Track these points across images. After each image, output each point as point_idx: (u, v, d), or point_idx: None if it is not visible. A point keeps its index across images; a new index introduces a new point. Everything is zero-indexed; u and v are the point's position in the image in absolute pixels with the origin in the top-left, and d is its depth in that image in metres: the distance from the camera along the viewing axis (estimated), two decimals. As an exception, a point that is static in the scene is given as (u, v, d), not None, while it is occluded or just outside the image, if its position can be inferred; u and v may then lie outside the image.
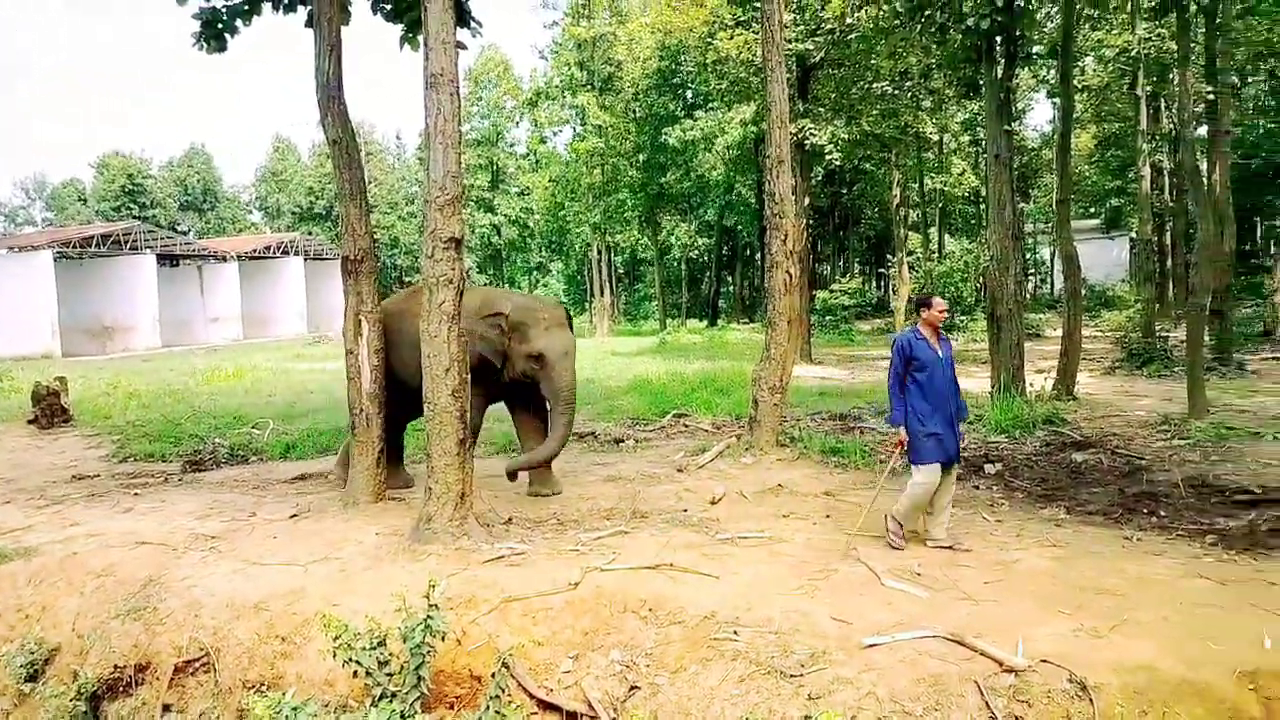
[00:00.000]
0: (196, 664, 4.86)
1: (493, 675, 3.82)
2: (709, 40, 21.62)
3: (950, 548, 5.46)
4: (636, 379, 15.33)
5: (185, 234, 52.21)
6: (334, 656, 3.95)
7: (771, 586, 4.78)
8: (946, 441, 5.47)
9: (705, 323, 36.15)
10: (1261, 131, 26.00)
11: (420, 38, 5.92)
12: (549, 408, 7.12)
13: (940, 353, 5.57)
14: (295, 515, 6.66)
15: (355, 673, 3.93)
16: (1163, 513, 6.34)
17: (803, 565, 5.19)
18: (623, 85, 32.32)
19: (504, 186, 47.32)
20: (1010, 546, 5.53)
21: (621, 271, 48.05)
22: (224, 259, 38.46)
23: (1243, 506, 6.37)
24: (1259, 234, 32.19)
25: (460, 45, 6.09)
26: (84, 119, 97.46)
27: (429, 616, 3.84)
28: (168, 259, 37.61)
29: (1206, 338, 12.46)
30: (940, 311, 5.65)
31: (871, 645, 3.99)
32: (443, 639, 3.91)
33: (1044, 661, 3.77)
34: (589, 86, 32.80)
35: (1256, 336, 19.15)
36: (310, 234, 49.83)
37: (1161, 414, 10.21)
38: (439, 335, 5.65)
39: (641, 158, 32.31)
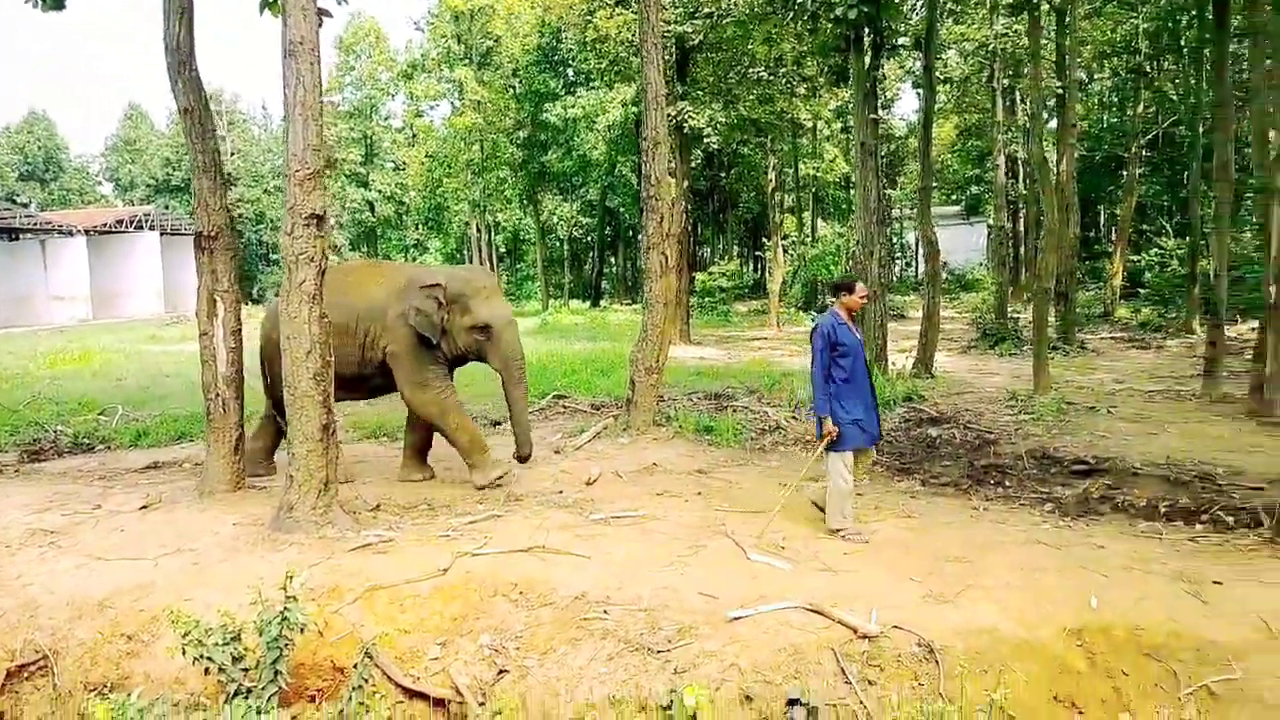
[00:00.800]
0: (33, 667, 4.53)
1: (355, 665, 3.72)
2: (589, 18, 21.49)
3: (838, 531, 5.42)
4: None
5: (25, 205, 48.13)
6: (184, 654, 3.76)
7: (643, 565, 4.85)
8: (868, 425, 5.45)
9: (588, 303, 36.14)
10: (1104, 125, 27.94)
11: (280, 3, 5.63)
12: (502, 379, 6.83)
13: (858, 336, 5.54)
14: (145, 506, 6.28)
15: (207, 670, 3.75)
16: (1008, 483, 6.79)
17: (674, 543, 5.28)
18: (502, 60, 31.75)
19: (378, 161, 45.76)
20: (869, 518, 5.79)
21: (503, 251, 47.36)
22: (70, 233, 35.71)
23: (1079, 476, 6.89)
24: (1101, 221, 34.61)
25: (324, 13, 5.82)
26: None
27: (286, 608, 3.70)
28: (5, 232, 34.64)
29: (1052, 318, 13.36)
30: (862, 297, 5.58)
31: (736, 619, 4.11)
32: (302, 631, 3.78)
33: (896, 627, 3.97)
34: (467, 60, 32.08)
35: (1097, 317, 20.68)
36: (167, 208, 46.83)
37: (1010, 390, 10.89)
38: (299, 316, 5.41)
39: (522, 135, 31.87)
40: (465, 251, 43.08)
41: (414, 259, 49.31)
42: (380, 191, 44.51)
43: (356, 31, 43.76)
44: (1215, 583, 4.44)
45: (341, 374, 6.74)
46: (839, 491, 5.40)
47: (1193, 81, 19.66)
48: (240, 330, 6.69)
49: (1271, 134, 9.00)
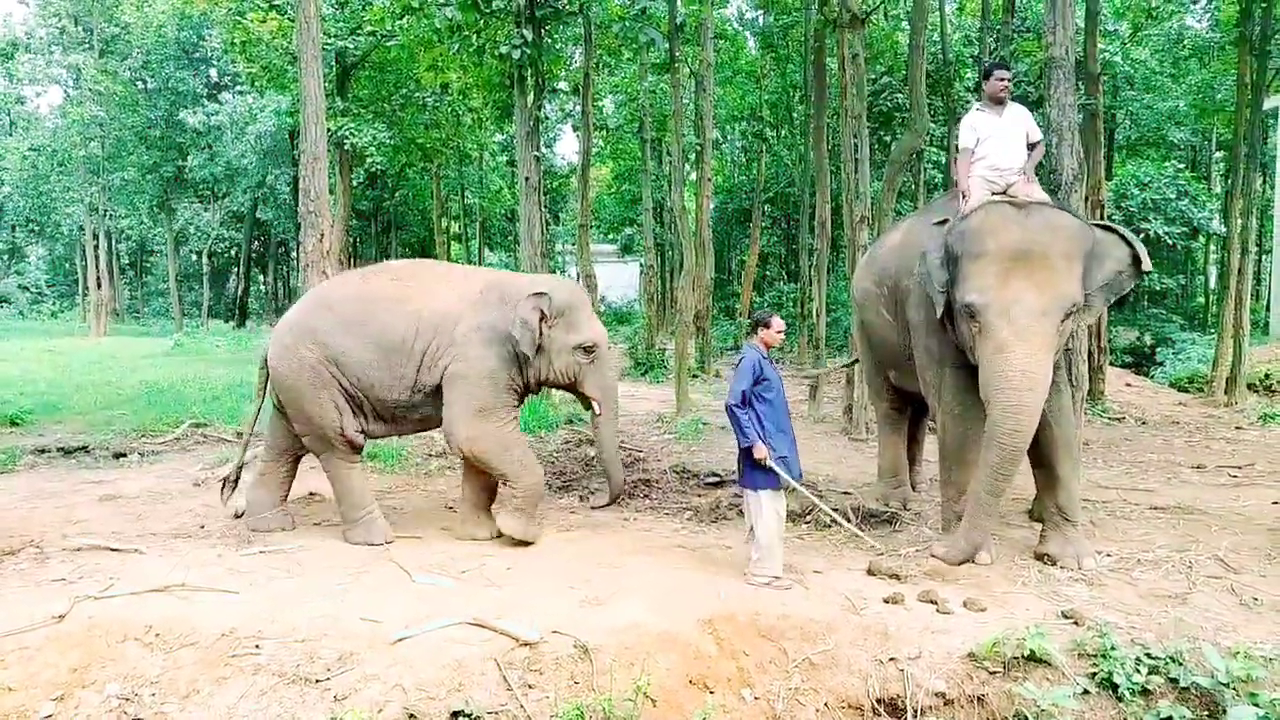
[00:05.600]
0: None
1: (-60, 736, 3.17)
2: (239, 18, 19.92)
3: (777, 581, 5.06)
4: (146, 385, 13.60)
5: None
6: None
7: (300, 596, 4.64)
8: (791, 462, 5.17)
9: (233, 324, 33.06)
10: (735, 181, 31.65)
11: None
12: (598, 413, 5.95)
13: (778, 373, 5.33)
14: None
15: None
16: (654, 495, 7.47)
17: (334, 571, 5.11)
18: (131, 51, 28.27)
19: (-41, 150, 38.19)
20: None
21: (126, 262, 41.77)
22: None
23: (712, 487, 7.77)
24: (732, 265, 38.97)
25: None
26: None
27: None
28: None
29: (692, 350, 14.83)
30: (778, 332, 5.28)
31: (400, 639, 4.11)
32: None
33: (555, 632, 4.22)
34: (87, 46, 28.06)
35: (730, 349, 23.27)
36: None
37: (657, 413, 11.92)
38: None
39: (155, 135, 28.54)
40: (81, 261, 37.31)
41: (9, 268, 41.82)
42: (-38, 186, 37.12)
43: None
44: (816, 572, 5.28)
45: (386, 401, 5.71)
46: (769, 532, 5.05)
47: (801, 149, 22.97)
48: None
49: (856, 200, 10.88)
